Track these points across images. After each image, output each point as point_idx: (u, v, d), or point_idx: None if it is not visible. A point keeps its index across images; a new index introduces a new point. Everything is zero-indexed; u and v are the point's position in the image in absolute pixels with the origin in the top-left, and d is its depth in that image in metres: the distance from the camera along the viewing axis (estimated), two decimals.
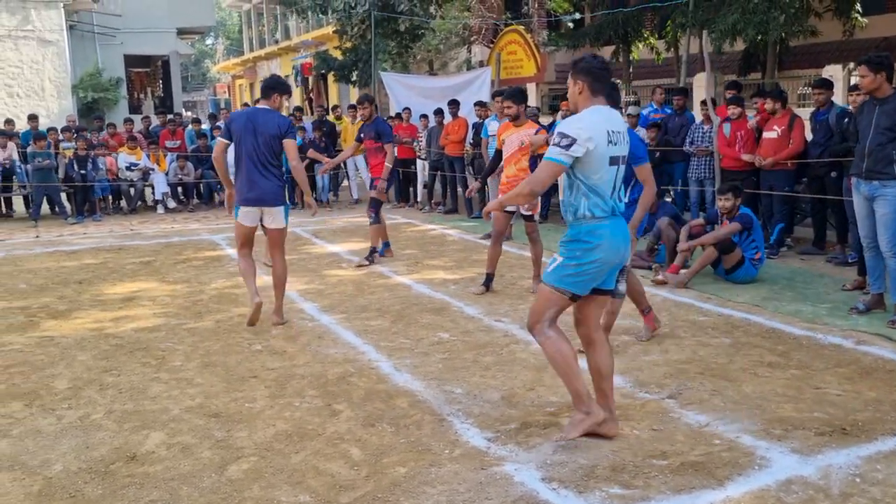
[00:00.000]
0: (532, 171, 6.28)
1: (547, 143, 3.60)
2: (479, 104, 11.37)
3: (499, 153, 6.60)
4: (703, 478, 3.16)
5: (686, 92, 10.50)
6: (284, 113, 8.29)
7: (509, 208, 6.41)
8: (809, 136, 7.80)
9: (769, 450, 3.40)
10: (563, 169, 3.34)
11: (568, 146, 3.28)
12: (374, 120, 7.97)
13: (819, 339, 5.02)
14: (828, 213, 7.86)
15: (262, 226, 5.61)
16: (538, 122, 7.45)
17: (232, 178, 5.62)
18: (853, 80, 11.99)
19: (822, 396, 4.03)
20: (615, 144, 3.38)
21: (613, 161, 3.39)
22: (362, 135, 8.01)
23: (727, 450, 3.41)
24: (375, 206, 7.85)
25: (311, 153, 9.53)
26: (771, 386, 4.19)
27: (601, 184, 3.36)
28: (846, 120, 7.14)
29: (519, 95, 6.37)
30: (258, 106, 5.64)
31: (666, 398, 4.05)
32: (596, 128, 3.33)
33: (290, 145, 5.43)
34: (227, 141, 5.48)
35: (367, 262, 7.77)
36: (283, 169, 5.69)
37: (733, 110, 8.15)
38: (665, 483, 3.12)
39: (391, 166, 7.82)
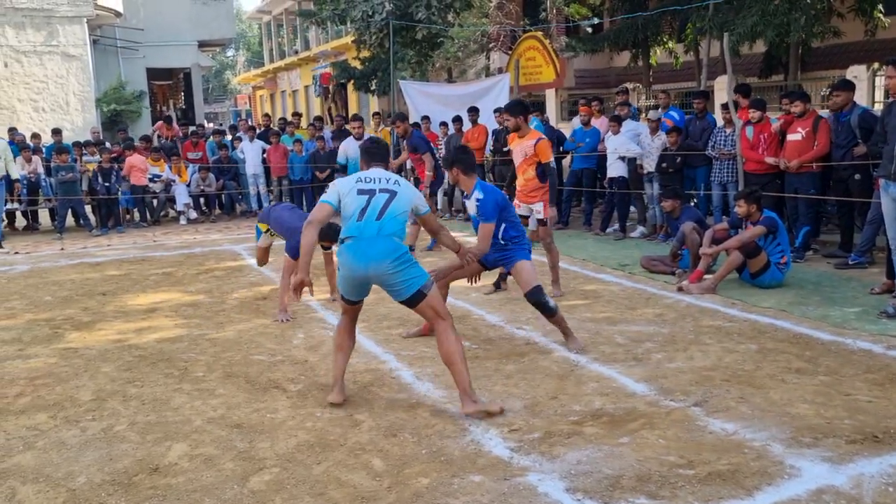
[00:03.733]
0: (539, 179, 6.36)
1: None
2: (499, 111, 11.35)
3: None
4: (731, 487, 3.09)
5: (707, 95, 10.40)
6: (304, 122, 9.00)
7: (522, 212, 6.42)
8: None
9: (799, 458, 3.33)
10: None
11: None
12: (410, 134, 8.79)
13: (848, 345, 4.93)
14: (855, 216, 7.75)
15: None
16: (542, 132, 7.48)
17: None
18: (878, 81, 11.86)
19: (853, 403, 3.95)
20: None
21: None
22: (401, 147, 9.01)
23: (756, 458, 3.34)
24: None
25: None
26: (799, 393, 4.11)
27: None
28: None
29: (516, 107, 6.42)
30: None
31: (692, 406, 3.99)
32: None
33: None
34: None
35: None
36: None
37: (753, 114, 8.06)
38: (692, 493, 3.06)
39: (431, 173, 8.69)
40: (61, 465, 3.54)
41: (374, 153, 4.36)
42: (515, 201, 6.53)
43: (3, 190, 10.41)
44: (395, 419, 3.94)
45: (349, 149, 9.50)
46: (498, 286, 6.66)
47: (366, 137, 7.73)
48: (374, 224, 3.92)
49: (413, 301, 4.03)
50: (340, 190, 4.04)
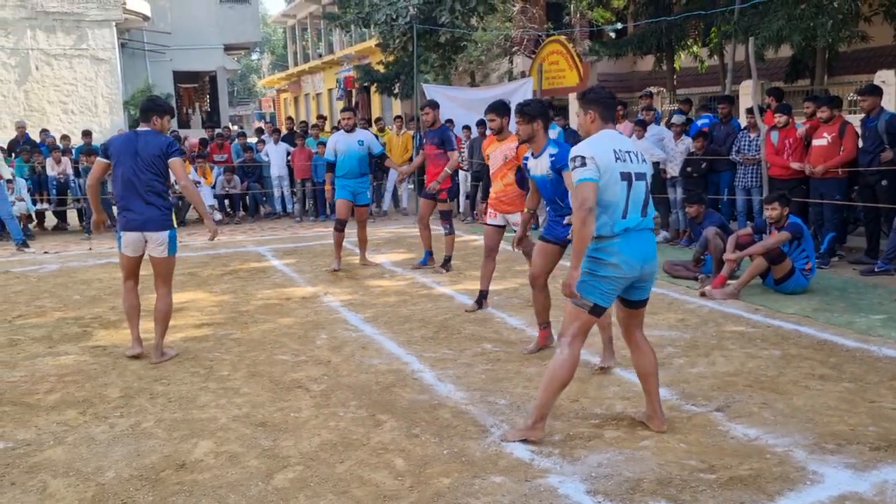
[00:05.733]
0: (518, 185, 6.04)
1: None
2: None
3: (488, 168, 6.41)
4: (752, 493, 3.09)
5: (731, 100, 10.35)
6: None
7: (498, 222, 6.17)
8: (859, 143, 7.62)
9: (822, 465, 3.32)
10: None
11: None
12: (438, 126, 7.97)
13: (873, 352, 4.88)
14: (881, 222, 7.67)
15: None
16: (562, 139, 7.36)
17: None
18: None
19: (877, 410, 3.92)
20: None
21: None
22: (424, 140, 8.07)
23: (778, 464, 3.34)
24: (447, 216, 7.94)
25: (388, 162, 9.30)
26: (823, 399, 4.09)
27: None
28: None
29: (502, 108, 6.14)
30: (139, 129, 5.13)
31: (713, 411, 3.98)
32: None
33: (176, 164, 5.01)
34: (105, 161, 5.08)
35: (444, 270, 7.95)
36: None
37: (779, 118, 8.00)
38: (713, 497, 3.07)
39: (450, 171, 7.83)
40: (91, 459, 3.62)
41: (611, 105, 3.68)
42: (489, 210, 6.25)
43: (3, 191, 10.37)
44: (417, 420, 3.98)
45: (339, 143, 8.19)
46: (480, 305, 6.35)
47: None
48: (641, 219, 3.54)
49: (645, 302, 3.76)
50: (600, 164, 3.41)
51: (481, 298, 6.37)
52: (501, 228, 6.23)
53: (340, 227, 8.18)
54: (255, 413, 4.16)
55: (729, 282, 6.66)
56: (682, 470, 3.31)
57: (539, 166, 4.85)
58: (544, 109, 4.80)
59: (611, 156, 3.46)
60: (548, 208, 5.04)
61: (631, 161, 3.52)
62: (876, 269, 7.05)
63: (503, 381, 4.55)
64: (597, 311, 3.58)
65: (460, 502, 3.10)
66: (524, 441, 3.63)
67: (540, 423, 3.65)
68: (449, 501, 3.12)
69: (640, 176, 3.54)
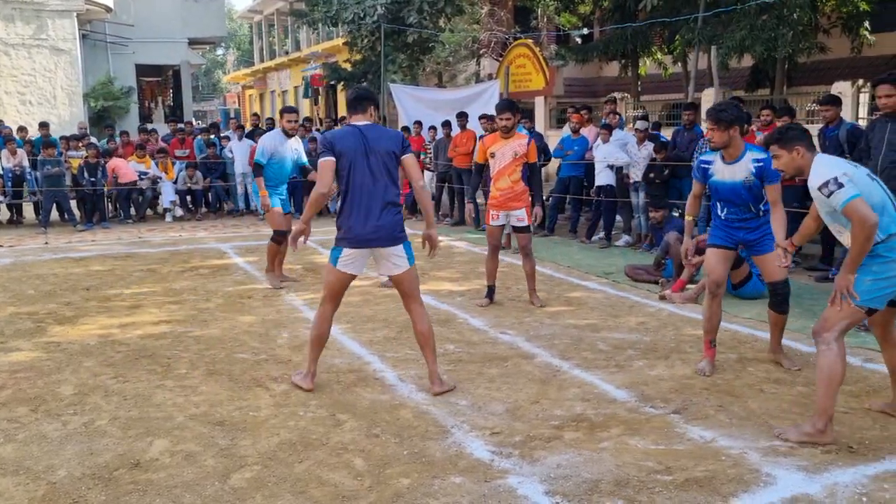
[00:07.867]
0: (524, 180, 6.24)
1: None
2: (485, 117, 11.38)
3: (480, 166, 6.52)
4: (707, 494, 3.14)
5: (695, 107, 10.50)
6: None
7: (500, 222, 6.35)
8: None
9: (775, 467, 3.38)
10: None
11: None
12: None
13: None
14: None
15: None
16: (529, 133, 7.43)
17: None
18: (862, 98, 12.01)
19: None
20: None
21: None
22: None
23: (732, 466, 3.39)
24: None
25: (312, 175, 7.34)
26: (777, 402, 4.17)
27: None
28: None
29: (515, 107, 6.36)
30: (355, 123, 4.35)
31: (671, 413, 4.04)
32: None
33: (410, 161, 4.31)
34: (333, 159, 4.20)
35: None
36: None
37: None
38: (669, 499, 3.10)
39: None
40: (41, 458, 3.53)
41: (809, 136, 3.84)
42: (491, 213, 6.34)
43: None
44: (378, 420, 3.96)
45: (279, 146, 7.18)
46: (491, 299, 6.50)
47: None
48: None
49: None
50: (853, 176, 3.48)
51: (490, 293, 6.55)
52: (503, 226, 6.47)
53: (282, 240, 7.21)
54: (213, 412, 4.10)
55: (688, 286, 6.76)
56: (640, 471, 3.34)
57: (735, 172, 4.57)
58: (741, 114, 4.54)
59: (849, 165, 3.59)
60: (722, 212, 4.78)
61: (859, 166, 3.63)
62: (830, 276, 7.21)
63: (465, 381, 4.55)
64: (871, 312, 3.65)
65: (419, 503, 3.10)
66: (813, 445, 3.57)
67: (829, 426, 3.61)
68: (408, 502, 3.11)
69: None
